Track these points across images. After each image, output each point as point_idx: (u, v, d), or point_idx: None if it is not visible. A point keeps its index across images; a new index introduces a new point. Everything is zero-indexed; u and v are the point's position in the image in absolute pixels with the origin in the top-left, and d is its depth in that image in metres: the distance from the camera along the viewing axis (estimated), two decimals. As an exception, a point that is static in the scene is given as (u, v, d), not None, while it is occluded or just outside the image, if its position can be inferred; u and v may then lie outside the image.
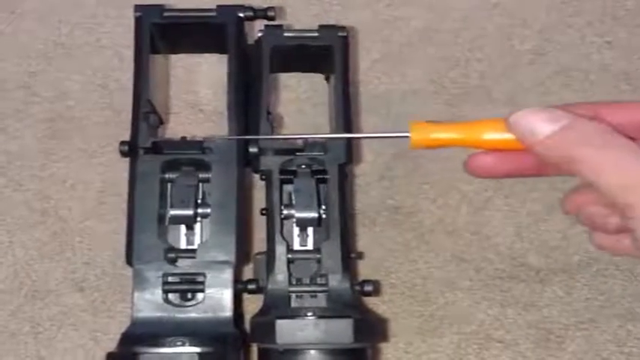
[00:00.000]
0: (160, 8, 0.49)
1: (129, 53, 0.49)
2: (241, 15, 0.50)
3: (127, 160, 0.47)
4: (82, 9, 0.60)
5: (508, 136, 0.37)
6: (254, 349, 0.45)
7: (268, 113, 0.49)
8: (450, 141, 0.39)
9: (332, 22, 0.52)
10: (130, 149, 0.47)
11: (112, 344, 0.44)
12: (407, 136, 0.39)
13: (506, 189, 0.56)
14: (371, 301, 0.52)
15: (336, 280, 0.46)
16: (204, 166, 0.47)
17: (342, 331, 0.42)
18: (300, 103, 0.58)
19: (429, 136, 0.39)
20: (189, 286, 0.45)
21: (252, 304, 0.49)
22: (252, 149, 0.47)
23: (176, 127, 0.56)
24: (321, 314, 0.43)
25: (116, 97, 0.57)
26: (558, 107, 0.36)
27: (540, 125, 0.35)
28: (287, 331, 0.42)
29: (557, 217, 0.55)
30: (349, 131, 0.49)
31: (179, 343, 0.42)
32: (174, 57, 0.57)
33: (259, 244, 0.50)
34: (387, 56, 0.59)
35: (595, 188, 0.34)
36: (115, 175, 0.55)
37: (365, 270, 0.54)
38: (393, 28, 0.60)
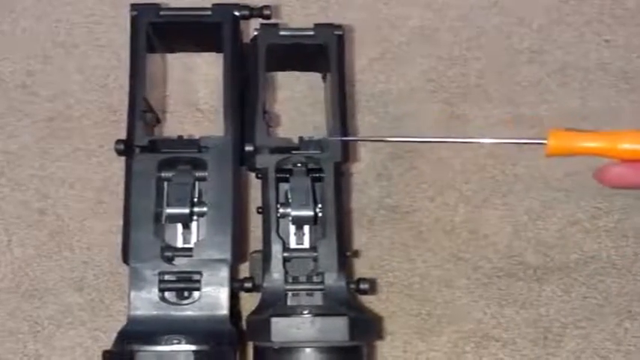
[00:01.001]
0: (156, 7, 0.49)
1: (127, 53, 0.49)
2: (237, 14, 0.50)
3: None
4: (80, 8, 0.60)
5: None
6: (250, 347, 0.45)
7: (264, 112, 0.49)
8: (586, 150, 0.39)
9: (329, 21, 0.51)
10: (125, 148, 0.47)
11: (110, 343, 0.44)
12: (543, 143, 0.39)
13: (504, 188, 0.56)
14: (368, 300, 0.52)
15: (332, 279, 0.46)
16: (201, 165, 0.47)
17: (337, 329, 0.42)
18: (296, 102, 0.58)
19: (566, 144, 0.39)
20: (185, 285, 0.45)
21: (250, 303, 0.49)
22: (248, 147, 0.47)
23: (173, 126, 0.56)
24: (317, 312, 0.43)
25: (115, 97, 0.57)
26: None
27: None
28: (282, 329, 0.42)
29: (554, 215, 0.55)
30: (345, 129, 0.49)
31: (175, 341, 0.42)
32: (171, 56, 0.57)
33: (255, 242, 0.50)
34: (384, 55, 0.59)
35: None
36: (114, 174, 0.55)
37: (362, 268, 0.54)
38: (391, 27, 0.60)
